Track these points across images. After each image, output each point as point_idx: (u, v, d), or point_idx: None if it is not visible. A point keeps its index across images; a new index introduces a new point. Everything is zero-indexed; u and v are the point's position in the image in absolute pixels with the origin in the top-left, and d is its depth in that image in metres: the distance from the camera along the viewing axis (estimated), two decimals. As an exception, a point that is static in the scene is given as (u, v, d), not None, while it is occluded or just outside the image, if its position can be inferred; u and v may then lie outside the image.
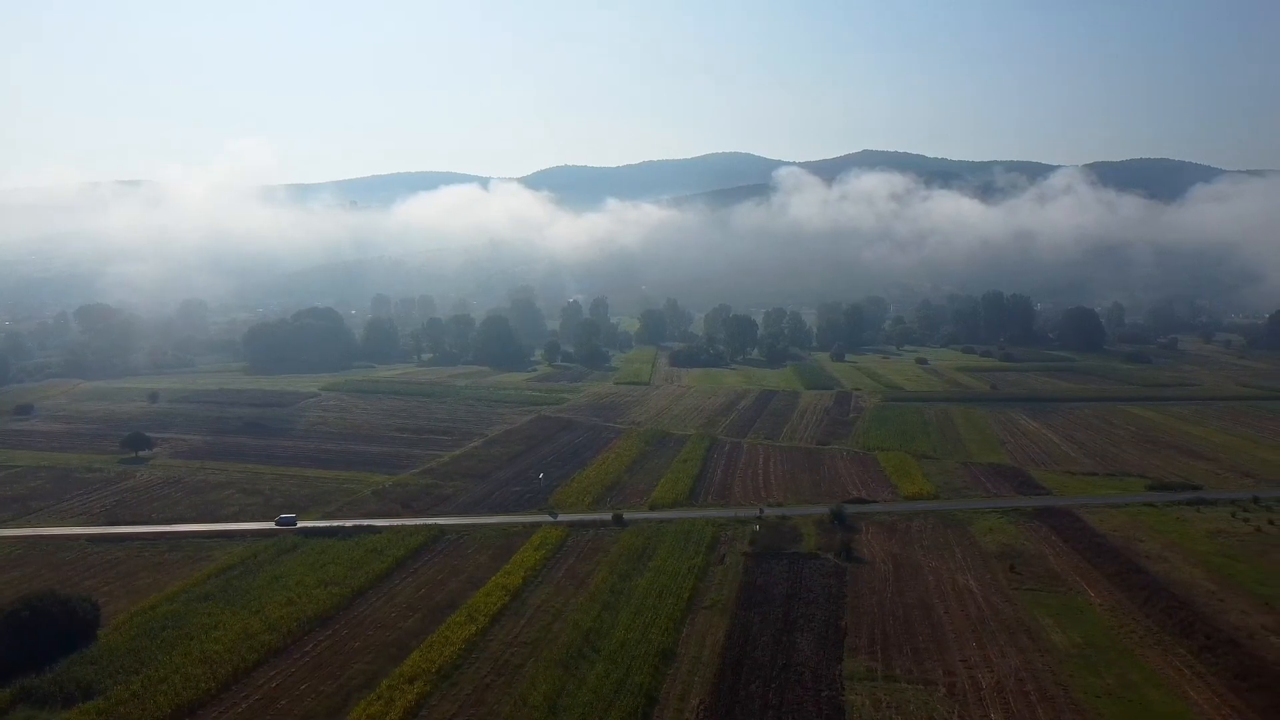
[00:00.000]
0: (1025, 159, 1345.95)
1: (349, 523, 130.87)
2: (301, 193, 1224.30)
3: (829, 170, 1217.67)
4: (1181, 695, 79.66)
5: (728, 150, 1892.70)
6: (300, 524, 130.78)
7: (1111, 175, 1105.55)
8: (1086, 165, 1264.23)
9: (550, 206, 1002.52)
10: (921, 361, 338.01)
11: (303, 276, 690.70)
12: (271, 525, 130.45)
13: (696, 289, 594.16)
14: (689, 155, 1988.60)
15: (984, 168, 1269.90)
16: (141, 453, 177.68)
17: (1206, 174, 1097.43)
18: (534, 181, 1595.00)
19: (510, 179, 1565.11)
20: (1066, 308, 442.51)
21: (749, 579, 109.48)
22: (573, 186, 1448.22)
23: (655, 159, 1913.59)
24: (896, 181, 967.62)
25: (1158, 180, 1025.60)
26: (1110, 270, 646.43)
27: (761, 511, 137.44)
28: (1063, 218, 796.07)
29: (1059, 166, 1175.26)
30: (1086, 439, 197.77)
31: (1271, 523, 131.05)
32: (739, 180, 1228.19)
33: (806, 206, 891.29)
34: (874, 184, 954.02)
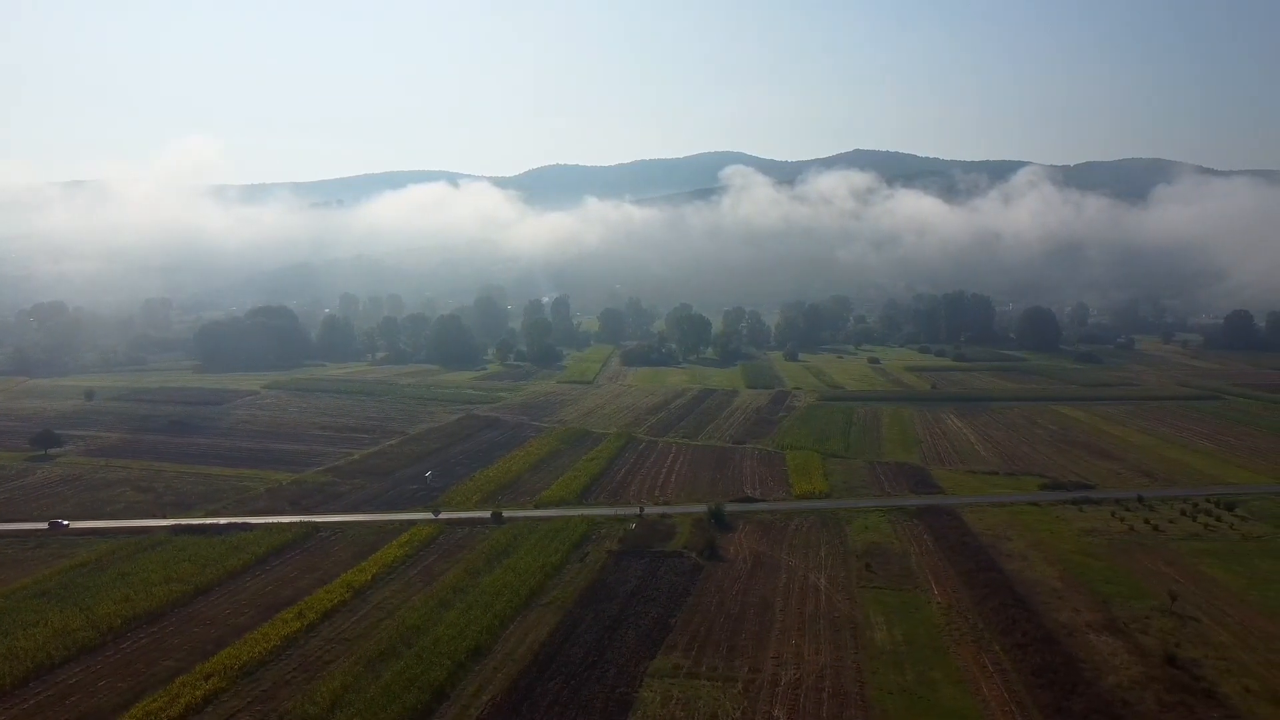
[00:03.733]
0: (1022, 158, 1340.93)
1: (223, 520, 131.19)
2: (257, 192, 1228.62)
3: (815, 170, 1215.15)
4: (975, 692, 80.00)
5: (720, 150, 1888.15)
6: (179, 521, 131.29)
7: (1095, 175, 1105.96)
8: (1078, 165, 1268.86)
9: (529, 206, 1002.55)
10: (874, 361, 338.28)
11: (279, 275, 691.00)
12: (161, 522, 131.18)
13: (669, 288, 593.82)
14: (682, 154, 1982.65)
15: (977, 167, 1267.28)
16: (51, 450, 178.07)
17: (1196, 174, 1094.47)
18: (525, 181, 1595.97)
19: (502, 178, 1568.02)
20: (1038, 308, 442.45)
21: (601, 576, 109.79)
22: (564, 185, 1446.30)
23: (648, 158, 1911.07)
24: (875, 180, 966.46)
25: (1138, 179, 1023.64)
26: (1084, 269, 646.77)
27: (642, 510, 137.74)
28: (1033, 217, 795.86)
29: (1051, 166, 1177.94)
30: (1003, 438, 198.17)
31: (1147, 521, 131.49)
32: (730, 180, 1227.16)
33: (786, 205, 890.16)
34: (852, 183, 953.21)
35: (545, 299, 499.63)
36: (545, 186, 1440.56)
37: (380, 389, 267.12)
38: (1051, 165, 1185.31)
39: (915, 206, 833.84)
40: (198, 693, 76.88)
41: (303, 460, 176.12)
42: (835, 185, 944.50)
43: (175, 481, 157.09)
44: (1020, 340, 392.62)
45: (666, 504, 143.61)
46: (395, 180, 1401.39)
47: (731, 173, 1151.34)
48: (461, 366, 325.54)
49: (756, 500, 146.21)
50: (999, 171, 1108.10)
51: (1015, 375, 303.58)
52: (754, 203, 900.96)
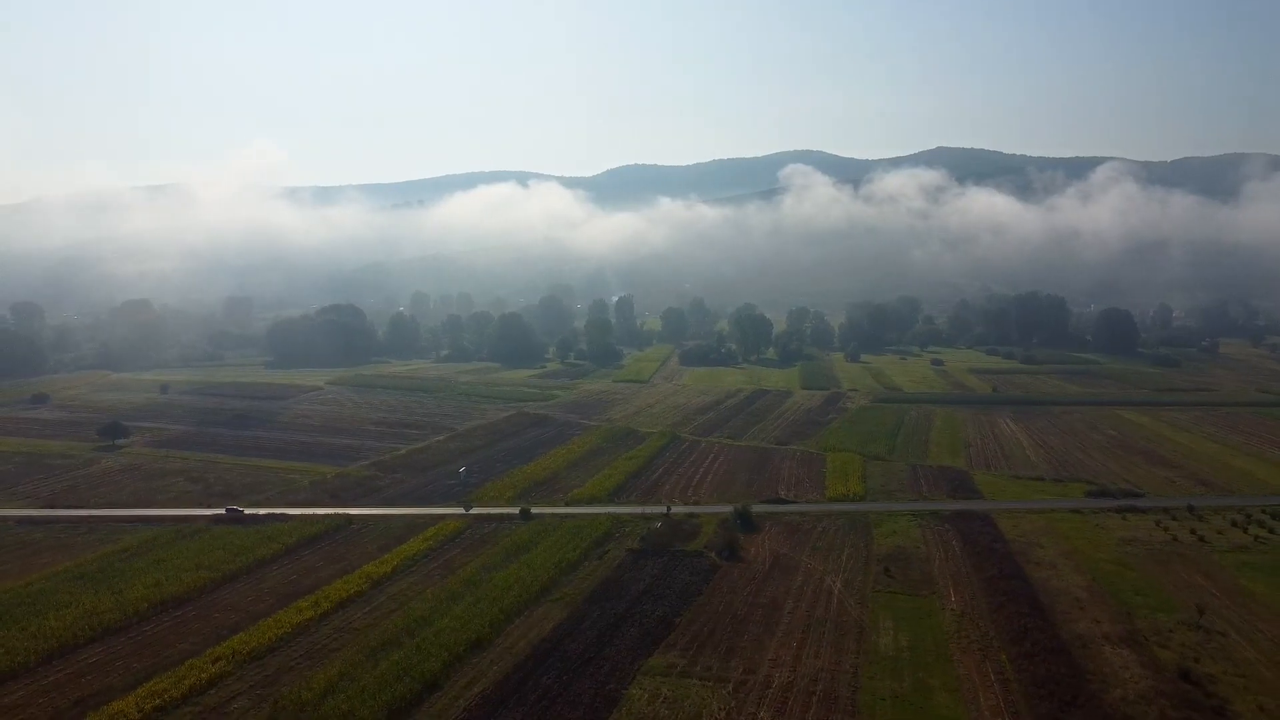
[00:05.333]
0: (1112, 154, 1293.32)
1: (263, 511, 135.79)
2: (330, 194, 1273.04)
3: (893, 168, 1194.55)
4: (970, 701, 78.25)
5: (798, 149, 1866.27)
6: (221, 511, 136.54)
7: (1185, 171, 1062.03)
8: (1174, 160, 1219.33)
9: (605, 206, 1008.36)
10: (937, 363, 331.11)
11: (357, 274, 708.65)
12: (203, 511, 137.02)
13: (738, 288, 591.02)
14: (760, 154, 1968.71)
15: (1058, 164, 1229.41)
16: (118, 441, 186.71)
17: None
18: (602, 180, 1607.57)
19: (581, 178, 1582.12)
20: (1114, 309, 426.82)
21: (616, 574, 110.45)
22: (641, 185, 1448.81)
23: (725, 157, 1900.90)
24: (946, 179, 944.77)
25: (1230, 175, 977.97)
26: (1170, 269, 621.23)
27: (669, 509, 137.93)
28: (1116, 215, 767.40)
29: (1141, 161, 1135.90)
30: (1058, 443, 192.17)
31: (1193, 531, 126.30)
32: (800, 179, 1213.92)
33: (858, 205, 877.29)
34: (923, 181, 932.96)
35: (613, 298, 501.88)
36: (623, 186, 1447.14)
37: (438, 386, 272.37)
38: (1144, 161, 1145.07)
39: (991, 205, 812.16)
40: (203, 675, 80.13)
41: (351, 454, 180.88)
42: (909, 184, 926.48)
43: (227, 473, 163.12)
44: (1096, 342, 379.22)
45: (696, 504, 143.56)
46: (472, 180, 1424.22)
47: (802, 171, 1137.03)
48: (522, 365, 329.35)
49: (788, 502, 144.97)
50: (1081, 168, 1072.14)
51: (1084, 379, 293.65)
52: (824, 202, 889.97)
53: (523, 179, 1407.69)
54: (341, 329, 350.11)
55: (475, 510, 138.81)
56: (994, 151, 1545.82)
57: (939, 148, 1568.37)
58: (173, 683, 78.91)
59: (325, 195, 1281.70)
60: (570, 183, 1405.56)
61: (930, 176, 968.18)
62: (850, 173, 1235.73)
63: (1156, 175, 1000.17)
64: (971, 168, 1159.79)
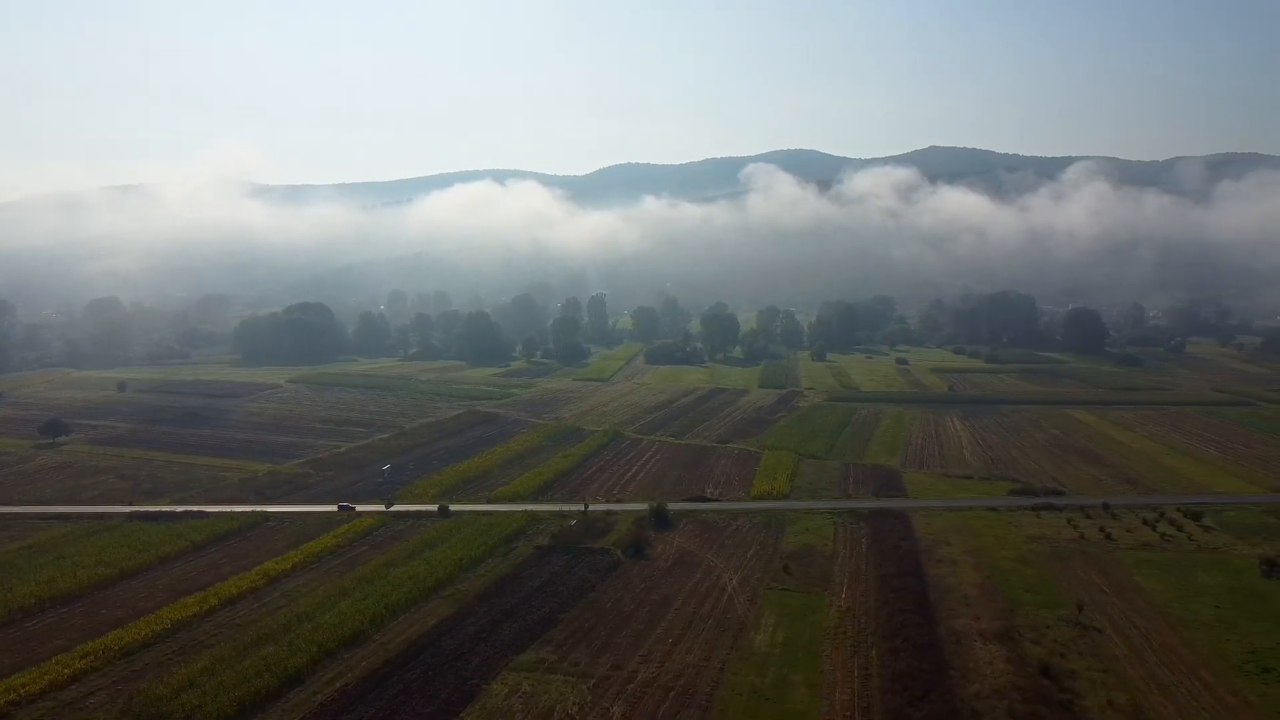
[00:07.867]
0: (1111, 154, 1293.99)
1: (179, 508, 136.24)
2: (311, 192, 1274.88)
3: (885, 168, 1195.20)
4: (827, 695, 78.89)
5: (793, 148, 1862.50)
6: (138, 508, 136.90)
7: (1172, 169, 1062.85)
8: (1166, 159, 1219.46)
9: (596, 205, 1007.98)
10: (902, 362, 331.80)
11: (342, 272, 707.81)
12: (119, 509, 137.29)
13: (720, 287, 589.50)
14: (754, 152, 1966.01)
15: (1054, 163, 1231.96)
16: (58, 439, 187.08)
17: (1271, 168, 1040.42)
18: (596, 179, 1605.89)
19: (575, 176, 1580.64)
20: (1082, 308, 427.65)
21: (516, 571, 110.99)
22: (634, 184, 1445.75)
23: (720, 156, 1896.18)
24: (941, 179, 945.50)
25: (1218, 174, 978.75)
26: (1151, 269, 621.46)
27: (586, 507, 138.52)
28: (1094, 216, 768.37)
29: (1132, 160, 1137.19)
30: (997, 442, 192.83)
31: (1102, 529, 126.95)
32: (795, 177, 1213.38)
33: (842, 204, 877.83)
34: (896, 180, 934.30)
35: (571, 297, 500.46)
36: (615, 185, 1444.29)
37: (397, 384, 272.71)
38: (1135, 160, 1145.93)
39: (975, 204, 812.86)
40: (66, 671, 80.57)
41: (291, 452, 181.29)
42: (899, 182, 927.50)
43: (159, 471, 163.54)
44: (1065, 342, 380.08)
45: (618, 501, 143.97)
46: (461, 180, 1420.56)
47: (811, 171, 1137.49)
48: (489, 363, 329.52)
49: (710, 500, 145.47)
50: (1064, 167, 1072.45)
51: (1044, 378, 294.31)
52: (807, 202, 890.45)
53: (500, 177, 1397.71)
54: (308, 327, 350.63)
55: (396, 508, 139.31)
56: (987, 151, 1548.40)
57: (931, 146, 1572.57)
58: (34, 678, 79.40)
59: (302, 194, 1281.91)
60: (557, 181, 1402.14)
61: (918, 176, 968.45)
62: (846, 172, 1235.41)
63: (1145, 175, 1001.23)
64: (969, 167, 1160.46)
